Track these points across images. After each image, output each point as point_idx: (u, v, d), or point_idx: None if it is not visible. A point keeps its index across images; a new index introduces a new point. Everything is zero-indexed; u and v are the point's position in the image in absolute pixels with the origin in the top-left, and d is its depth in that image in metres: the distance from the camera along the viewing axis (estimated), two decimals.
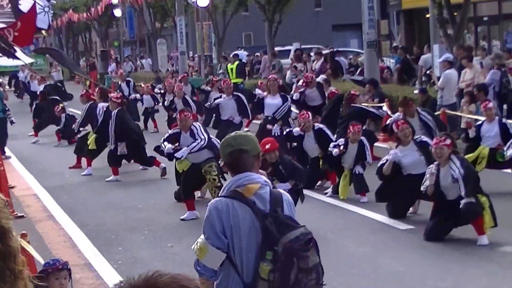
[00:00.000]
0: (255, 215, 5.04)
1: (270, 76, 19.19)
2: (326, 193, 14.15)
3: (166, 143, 13.40)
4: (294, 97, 19.22)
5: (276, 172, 11.40)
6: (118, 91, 27.71)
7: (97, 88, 21.68)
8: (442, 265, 9.90)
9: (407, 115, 14.55)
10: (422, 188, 11.00)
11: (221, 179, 12.92)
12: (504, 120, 14.54)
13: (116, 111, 16.82)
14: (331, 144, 14.04)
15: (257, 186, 5.10)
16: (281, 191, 5.33)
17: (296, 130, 15.00)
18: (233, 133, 5.50)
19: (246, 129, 20.03)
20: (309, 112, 15.29)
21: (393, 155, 12.20)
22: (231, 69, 29.03)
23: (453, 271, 9.59)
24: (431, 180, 10.83)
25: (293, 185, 11.25)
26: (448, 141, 10.88)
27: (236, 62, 29.51)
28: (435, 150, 10.90)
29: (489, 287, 8.90)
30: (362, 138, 14.10)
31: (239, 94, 19.85)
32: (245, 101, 19.47)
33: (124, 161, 17.20)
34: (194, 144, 13.03)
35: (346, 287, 9.15)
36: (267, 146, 11.50)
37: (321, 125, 15.12)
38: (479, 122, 14.32)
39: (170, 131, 13.90)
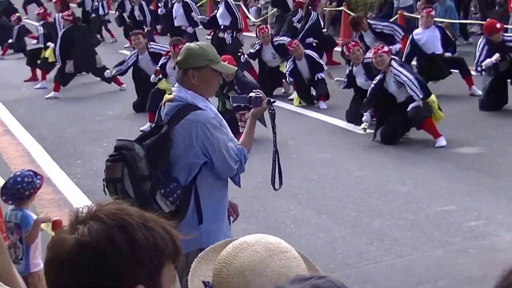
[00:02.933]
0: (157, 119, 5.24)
1: None
2: (291, 99, 14.17)
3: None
4: None
5: (230, 89, 11.54)
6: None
7: None
8: (402, 168, 9.97)
9: (362, 31, 14.55)
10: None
11: None
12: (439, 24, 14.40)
13: (64, 28, 16.45)
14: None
15: (169, 97, 5.11)
16: (202, 115, 4.95)
17: (248, 54, 14.94)
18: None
19: (207, 37, 19.72)
20: (267, 26, 15.26)
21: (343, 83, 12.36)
22: None
23: (412, 173, 9.67)
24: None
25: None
26: (386, 48, 11.12)
27: None
28: (375, 59, 11.01)
29: (448, 188, 8.99)
30: (307, 51, 14.00)
31: (187, 0, 18.87)
32: (193, 7, 18.72)
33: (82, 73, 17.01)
34: None
35: (306, 192, 9.19)
36: None
37: (278, 38, 15.04)
38: (418, 31, 14.11)
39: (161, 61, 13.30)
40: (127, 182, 4.88)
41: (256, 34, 15.23)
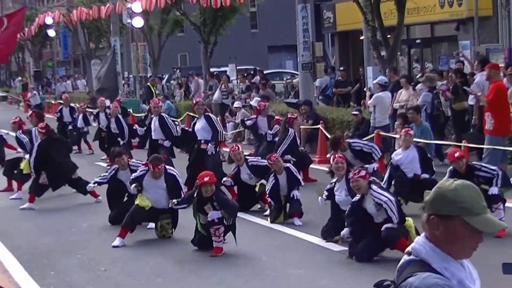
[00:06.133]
0: None
1: (197, 99, 18.83)
2: (266, 215, 14.10)
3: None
4: (247, 123, 19.54)
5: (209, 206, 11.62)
6: (57, 114, 27.17)
7: (31, 112, 21.23)
8: None
9: (341, 151, 14.64)
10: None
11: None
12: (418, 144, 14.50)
13: (39, 141, 16.53)
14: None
15: (407, 249, 3.81)
16: (424, 281, 3.47)
17: (228, 180, 14.90)
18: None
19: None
20: (238, 145, 15.28)
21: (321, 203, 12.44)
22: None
23: None
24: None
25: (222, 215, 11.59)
26: (363, 173, 11.01)
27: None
28: (352, 183, 10.96)
29: None
30: (287, 165, 14.07)
31: (164, 115, 18.71)
32: (169, 121, 18.37)
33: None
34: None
35: None
36: (206, 179, 11.51)
37: (253, 159, 15.15)
38: (398, 152, 14.28)
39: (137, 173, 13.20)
40: None
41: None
